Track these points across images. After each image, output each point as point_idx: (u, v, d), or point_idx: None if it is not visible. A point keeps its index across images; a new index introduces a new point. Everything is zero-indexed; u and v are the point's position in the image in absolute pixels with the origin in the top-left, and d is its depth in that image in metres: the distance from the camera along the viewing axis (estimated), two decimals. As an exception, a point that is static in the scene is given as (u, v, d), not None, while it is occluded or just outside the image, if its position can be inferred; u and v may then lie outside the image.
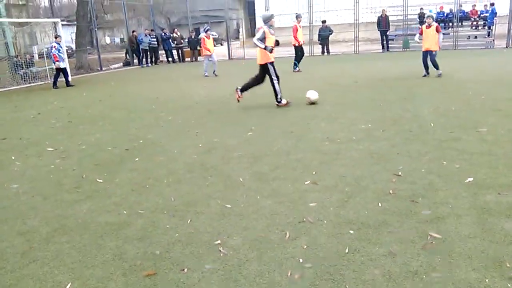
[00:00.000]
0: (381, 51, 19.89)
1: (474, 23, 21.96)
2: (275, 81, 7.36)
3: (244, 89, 7.60)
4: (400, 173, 3.79)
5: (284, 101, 7.42)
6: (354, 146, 4.75)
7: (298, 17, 13.10)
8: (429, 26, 9.68)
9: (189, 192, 3.71)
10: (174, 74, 15.73)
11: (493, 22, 20.43)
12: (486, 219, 2.89)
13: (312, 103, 7.43)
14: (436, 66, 9.82)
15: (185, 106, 8.17)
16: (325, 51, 20.14)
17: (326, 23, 19.92)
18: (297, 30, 13.21)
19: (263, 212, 3.18)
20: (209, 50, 13.46)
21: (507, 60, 13.60)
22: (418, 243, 2.60)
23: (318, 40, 20.15)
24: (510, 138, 4.72)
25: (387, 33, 20.07)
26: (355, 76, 11.08)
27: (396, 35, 21.30)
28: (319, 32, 20.03)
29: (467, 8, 22.10)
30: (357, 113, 6.46)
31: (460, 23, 20.91)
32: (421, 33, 9.94)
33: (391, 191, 3.41)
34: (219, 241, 2.78)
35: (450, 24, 21.42)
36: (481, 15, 21.89)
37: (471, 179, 3.59)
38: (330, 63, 15.93)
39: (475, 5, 22.11)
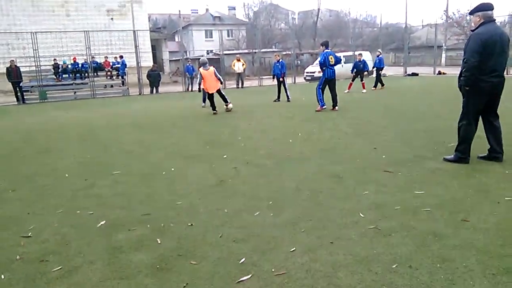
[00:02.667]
0: (16, 103, 18.40)
1: (109, 73, 23.78)
2: None
3: None
4: (30, 234, 3.47)
5: None
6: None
7: None
8: None
9: None
10: None
11: (125, 72, 22.74)
12: (117, 257, 3.01)
13: None
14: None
15: None
16: None
17: None
18: None
19: None
20: None
21: (142, 105, 15.31)
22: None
23: None
24: (140, 176, 5.21)
25: (20, 84, 18.82)
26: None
27: (31, 86, 20.28)
28: None
29: (100, 59, 23.65)
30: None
31: (95, 73, 22.10)
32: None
33: (18, 257, 3.05)
34: None
35: (86, 74, 22.29)
36: (114, 66, 23.97)
37: (103, 222, 3.69)
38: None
39: (107, 57, 23.97)
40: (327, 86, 10.58)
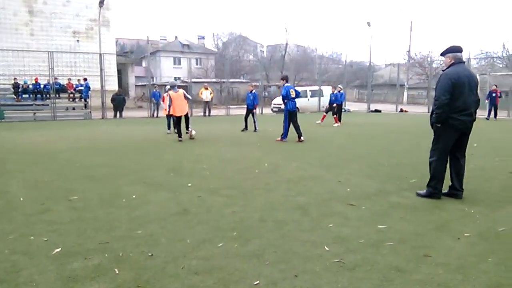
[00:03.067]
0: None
1: (71, 95, 23.18)
2: None
3: None
4: (-25, 262, 3.22)
5: None
6: None
7: None
8: None
9: None
10: None
11: (88, 95, 22.25)
12: (72, 287, 2.83)
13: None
14: None
15: None
16: None
17: None
18: None
19: None
20: None
21: (105, 129, 14.92)
22: None
23: None
24: (99, 202, 5.01)
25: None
26: None
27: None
28: None
29: (63, 81, 23.07)
30: None
31: (57, 95, 21.48)
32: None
33: (-41, 288, 2.81)
34: None
35: (47, 95, 21.63)
36: (77, 88, 23.42)
37: (58, 249, 3.49)
38: None
39: (70, 79, 23.42)
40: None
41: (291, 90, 11.03)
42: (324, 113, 17.45)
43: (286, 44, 54.11)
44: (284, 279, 2.95)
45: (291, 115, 10.97)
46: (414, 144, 10.55)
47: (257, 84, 25.97)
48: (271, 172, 6.92)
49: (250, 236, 3.82)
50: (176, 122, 11.24)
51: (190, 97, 11.57)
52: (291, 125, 11.01)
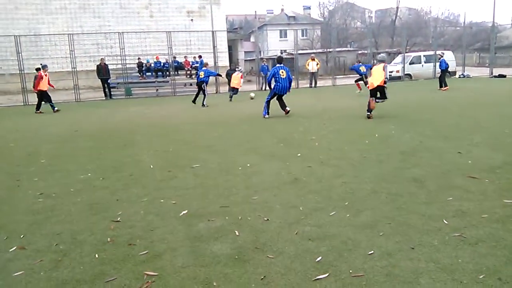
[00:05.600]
0: (104, 98, 19.87)
1: (188, 72, 24.79)
2: None
3: None
4: (119, 219, 3.75)
5: None
6: (72, 199, 4.44)
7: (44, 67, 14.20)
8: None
9: None
10: None
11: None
12: (198, 246, 3.15)
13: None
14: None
15: None
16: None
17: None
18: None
19: None
20: None
21: (219, 104, 15.77)
22: (135, 286, 2.58)
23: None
24: (218, 170, 5.41)
25: (108, 81, 20.32)
26: (76, 125, 10.59)
27: (118, 83, 21.75)
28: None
29: (180, 59, 24.75)
30: (76, 164, 6.12)
31: (176, 72, 23.15)
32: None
33: (109, 239, 3.31)
34: None
35: (167, 73, 23.43)
36: (193, 66, 24.93)
37: (185, 211, 3.88)
38: (48, 112, 14.75)
39: (186, 57, 25.02)
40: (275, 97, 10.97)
41: (281, 70, 10.69)
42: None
43: (397, 7, 50.56)
44: (400, 251, 2.91)
45: (278, 95, 10.90)
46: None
47: (366, 51, 24.86)
48: (383, 143, 6.71)
49: (362, 207, 3.81)
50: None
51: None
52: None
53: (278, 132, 8.29)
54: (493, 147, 6.00)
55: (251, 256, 2.93)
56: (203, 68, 15.44)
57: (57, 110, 14.19)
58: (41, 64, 14.79)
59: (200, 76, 14.78)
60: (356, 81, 17.81)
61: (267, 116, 10.78)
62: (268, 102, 10.95)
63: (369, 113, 9.53)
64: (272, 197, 4.22)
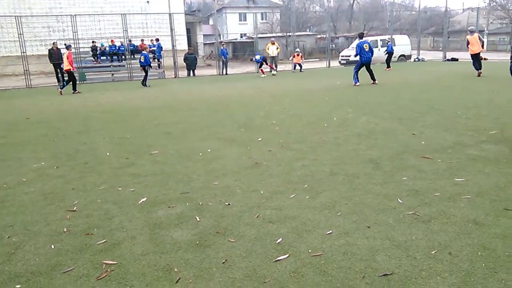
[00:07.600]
0: (57, 84, 19.01)
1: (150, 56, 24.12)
2: None
3: None
4: (75, 208, 3.64)
5: None
6: (25, 189, 4.26)
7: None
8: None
9: None
10: None
11: (161, 55, 23.03)
12: (158, 233, 3.12)
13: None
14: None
15: None
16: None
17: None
18: None
19: None
20: None
21: (178, 88, 15.52)
22: (93, 275, 2.53)
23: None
24: (177, 156, 5.34)
25: (61, 66, 19.44)
26: (26, 112, 10.11)
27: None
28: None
29: (136, 42, 24.02)
30: (28, 152, 5.86)
31: (132, 56, 22.48)
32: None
33: (65, 229, 3.21)
34: None
35: (123, 56, 22.71)
36: (150, 49, 24.26)
37: (144, 199, 3.82)
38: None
39: (143, 40, 24.31)
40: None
41: (365, 44, 12.98)
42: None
43: (355, -9, 51.30)
44: (357, 230, 3.01)
45: None
46: (494, 93, 9.79)
47: (324, 36, 25.13)
48: (340, 126, 6.85)
49: (321, 189, 3.90)
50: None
51: None
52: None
53: (239, 117, 8.28)
54: (445, 128, 6.27)
55: (212, 241, 2.93)
56: (143, 52, 16.46)
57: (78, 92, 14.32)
58: (65, 44, 14.85)
59: (141, 60, 16.25)
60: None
61: (358, 83, 12.75)
62: (356, 72, 12.98)
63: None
64: (233, 181, 4.23)
